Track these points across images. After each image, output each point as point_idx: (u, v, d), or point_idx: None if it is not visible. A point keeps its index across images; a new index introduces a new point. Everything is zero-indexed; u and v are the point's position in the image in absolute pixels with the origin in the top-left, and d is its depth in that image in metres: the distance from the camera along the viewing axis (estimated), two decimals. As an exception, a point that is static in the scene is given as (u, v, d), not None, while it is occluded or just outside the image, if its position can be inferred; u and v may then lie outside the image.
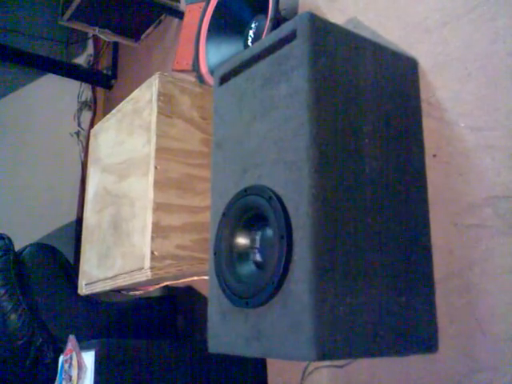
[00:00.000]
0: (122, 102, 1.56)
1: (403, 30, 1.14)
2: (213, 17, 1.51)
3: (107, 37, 2.47)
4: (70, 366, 1.36)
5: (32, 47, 2.65)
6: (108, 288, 1.46)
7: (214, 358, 1.40)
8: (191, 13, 1.86)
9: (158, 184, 1.30)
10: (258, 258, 0.97)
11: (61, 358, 1.43)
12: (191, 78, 1.72)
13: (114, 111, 1.62)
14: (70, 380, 1.33)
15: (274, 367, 1.43)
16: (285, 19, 1.38)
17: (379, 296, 0.88)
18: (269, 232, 0.94)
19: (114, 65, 2.87)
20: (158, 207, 1.29)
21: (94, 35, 2.75)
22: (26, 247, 1.69)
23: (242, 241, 0.98)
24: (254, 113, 0.99)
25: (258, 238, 0.97)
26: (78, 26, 2.38)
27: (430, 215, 1.02)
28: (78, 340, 1.39)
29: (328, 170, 0.86)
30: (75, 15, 2.30)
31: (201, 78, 1.49)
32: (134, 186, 1.39)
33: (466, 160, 0.99)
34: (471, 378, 0.94)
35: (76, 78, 2.82)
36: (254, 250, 0.97)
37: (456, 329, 0.97)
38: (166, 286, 1.73)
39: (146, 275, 1.25)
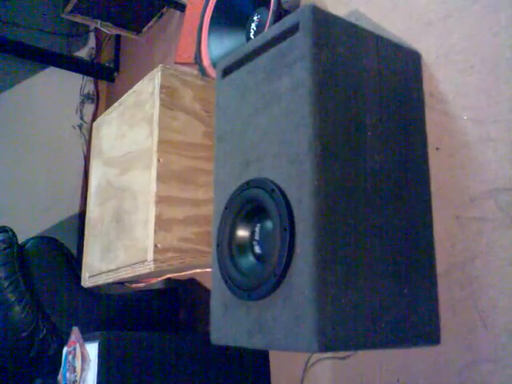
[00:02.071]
0: (125, 95, 1.56)
1: (406, 23, 1.14)
2: (215, 9, 1.50)
3: (109, 30, 2.46)
4: (73, 358, 1.37)
5: (34, 40, 2.65)
6: (111, 280, 1.46)
7: (217, 349, 1.41)
8: (193, 5, 1.85)
9: (160, 177, 1.31)
10: (258, 250, 0.97)
11: (64, 350, 1.44)
12: (193, 70, 1.72)
13: (116, 104, 1.62)
14: (74, 371, 1.34)
15: (276, 359, 1.44)
16: (287, 12, 1.38)
17: (381, 288, 0.88)
18: (269, 225, 0.94)
19: (116, 58, 2.87)
20: (161, 200, 1.29)
21: (95, 28, 2.74)
22: (29, 240, 1.70)
23: (243, 233, 0.99)
24: (257, 106, 0.99)
25: (258, 230, 0.98)
26: (79, 19, 2.37)
27: (432, 208, 1.02)
28: (81, 332, 1.40)
29: (330, 163, 0.86)
30: (77, 8, 2.29)
31: (203, 71, 1.48)
32: (136, 178, 1.40)
33: (468, 153, 0.99)
34: (473, 369, 0.94)
35: (78, 71, 2.82)
36: (254, 243, 0.98)
37: (458, 321, 0.97)
38: (169, 279, 1.74)
39: (148, 268, 1.26)
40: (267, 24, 1.30)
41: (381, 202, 0.92)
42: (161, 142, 1.33)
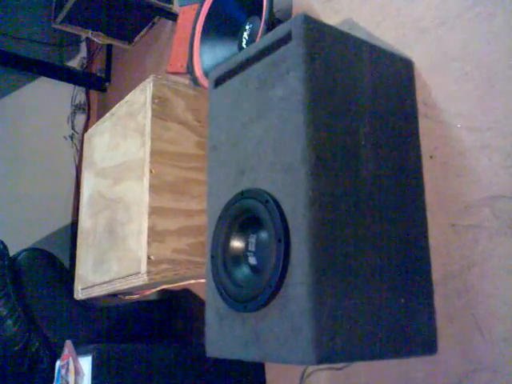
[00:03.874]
0: (116, 105, 1.55)
1: (399, 30, 1.14)
2: (207, 19, 1.50)
3: (100, 39, 2.46)
4: (66, 372, 1.35)
5: (25, 50, 2.63)
6: (104, 292, 1.45)
7: (212, 361, 1.40)
8: (185, 15, 1.85)
9: (153, 188, 1.29)
10: (253, 261, 0.96)
11: (57, 364, 1.42)
12: (185, 80, 1.71)
13: (108, 114, 1.61)
14: (67, 386, 1.32)
15: (272, 370, 1.43)
16: (279, 21, 1.38)
17: (378, 298, 0.88)
18: (264, 235, 0.94)
19: (108, 67, 2.86)
20: (154, 211, 1.28)
21: (87, 38, 2.73)
22: (21, 252, 1.68)
23: (237, 244, 0.98)
24: (250, 115, 0.99)
25: (253, 241, 0.97)
26: (70, 29, 2.37)
27: (427, 216, 1.02)
28: (75, 345, 1.38)
29: (324, 173, 0.85)
30: (68, 18, 2.29)
31: (195, 81, 1.48)
32: (128, 189, 1.38)
33: (463, 161, 0.99)
34: (470, 378, 0.94)
35: (69, 80, 2.81)
36: (249, 254, 0.97)
37: (455, 330, 0.96)
38: (163, 290, 1.72)
39: (142, 280, 1.25)
40: (259, 33, 1.29)
41: (375, 210, 0.92)
42: (153, 152, 1.32)
